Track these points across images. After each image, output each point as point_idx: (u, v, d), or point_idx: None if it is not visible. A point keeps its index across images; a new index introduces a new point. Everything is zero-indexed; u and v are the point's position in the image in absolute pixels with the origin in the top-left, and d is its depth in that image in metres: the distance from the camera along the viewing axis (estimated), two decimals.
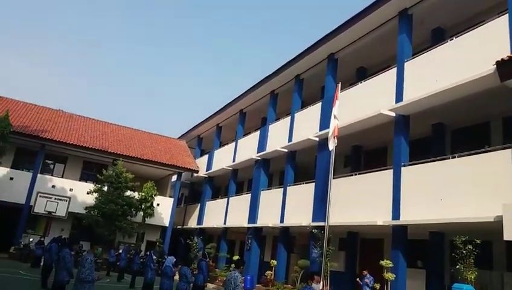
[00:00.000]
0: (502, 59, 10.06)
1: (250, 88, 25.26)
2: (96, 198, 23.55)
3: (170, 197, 30.73)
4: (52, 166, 28.51)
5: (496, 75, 10.27)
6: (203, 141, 36.53)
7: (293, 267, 17.77)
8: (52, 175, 27.40)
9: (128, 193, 24.44)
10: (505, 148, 10.57)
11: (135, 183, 24.80)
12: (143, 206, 25.36)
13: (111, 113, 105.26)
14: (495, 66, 10.24)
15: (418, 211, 12.41)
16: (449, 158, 12.40)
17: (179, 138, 37.59)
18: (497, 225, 9.48)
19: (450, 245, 12.47)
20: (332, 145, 15.14)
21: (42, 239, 22.33)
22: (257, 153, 23.89)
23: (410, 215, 12.67)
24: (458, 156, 12.00)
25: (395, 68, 15.00)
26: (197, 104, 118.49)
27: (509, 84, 10.17)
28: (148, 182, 26.51)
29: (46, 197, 24.06)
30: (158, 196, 27.02)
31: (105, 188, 24.03)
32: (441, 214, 11.46)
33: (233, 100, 27.65)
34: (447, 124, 14.73)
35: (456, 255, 10.30)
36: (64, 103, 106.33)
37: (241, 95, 26.48)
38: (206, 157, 33.07)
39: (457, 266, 10.28)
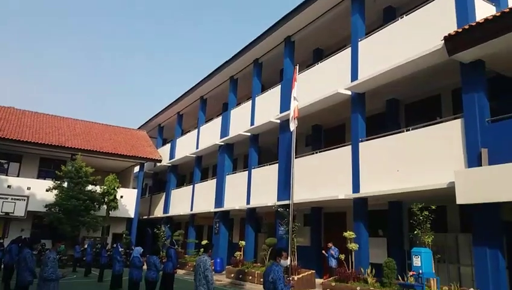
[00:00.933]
0: (450, 34, 10.66)
1: (210, 74, 25.12)
2: (56, 195, 22.85)
3: (134, 188, 30.26)
4: (6, 165, 27.22)
5: (444, 50, 10.87)
6: (164, 129, 36.01)
7: (261, 246, 18.19)
8: (6, 175, 26.14)
9: (90, 187, 23.89)
10: (455, 118, 11.30)
11: (96, 177, 24.22)
12: (106, 200, 24.91)
13: (65, 108, 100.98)
14: (443, 41, 10.84)
15: (376, 183, 13.05)
16: (403, 131, 13.08)
17: (139, 128, 36.81)
18: (450, 191, 10.20)
19: (408, 213, 13.26)
20: (293, 126, 15.46)
21: (1, 241, 21.39)
22: (220, 138, 23.94)
23: (370, 187, 13.31)
24: (412, 129, 12.69)
25: (350, 48, 15.46)
26: (157, 93, 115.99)
27: (457, 58, 10.81)
28: (110, 174, 25.97)
29: (2, 197, 22.96)
30: (121, 188, 26.56)
31: (65, 184, 23.36)
32: (399, 184, 12.13)
33: (193, 87, 27.40)
34: (400, 99, 15.44)
35: (414, 222, 11.00)
36: (17, 101, 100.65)
37: (201, 81, 26.28)
38: (168, 146, 32.71)
39: (415, 232, 10.99)
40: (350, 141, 14.90)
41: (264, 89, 21.95)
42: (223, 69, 23.75)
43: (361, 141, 14.20)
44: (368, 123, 14.71)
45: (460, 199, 9.92)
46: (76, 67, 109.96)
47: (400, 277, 11.15)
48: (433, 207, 10.80)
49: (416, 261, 9.84)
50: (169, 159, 30.99)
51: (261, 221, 21.59)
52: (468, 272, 11.42)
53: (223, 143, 23.63)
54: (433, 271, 10.03)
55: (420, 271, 9.68)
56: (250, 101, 22.08)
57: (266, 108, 20.23)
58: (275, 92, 19.93)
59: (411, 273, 10.20)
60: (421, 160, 11.69)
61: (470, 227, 10.68)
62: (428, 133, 11.88)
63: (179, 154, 29.63)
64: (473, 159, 10.19)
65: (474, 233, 10.15)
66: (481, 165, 9.91)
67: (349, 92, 14.85)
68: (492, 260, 9.55)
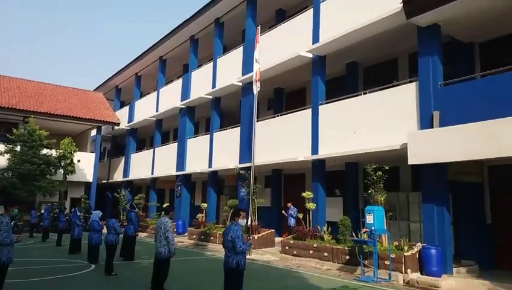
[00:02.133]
0: None
1: (169, 33, 24.17)
2: (8, 159, 21.82)
3: (91, 152, 29.39)
4: None
5: (402, 13, 11.00)
6: (122, 92, 34.77)
7: (223, 207, 18.47)
8: None
9: (45, 151, 22.96)
10: (410, 82, 11.64)
11: (51, 140, 23.23)
12: (63, 164, 24.10)
13: (16, 69, 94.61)
14: (401, 4, 10.94)
15: (335, 145, 13.40)
16: (361, 94, 13.37)
17: (95, 90, 35.33)
18: (403, 152, 10.66)
19: (363, 173, 13.78)
20: (255, 89, 15.43)
21: None
22: (181, 101, 23.47)
23: (328, 149, 13.67)
24: (369, 92, 12.99)
25: (312, 9, 15.30)
26: (113, 53, 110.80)
27: (414, 21, 10.98)
28: (66, 138, 25.01)
29: None
30: (78, 152, 25.71)
31: (18, 148, 22.29)
32: (355, 145, 12.52)
33: (152, 47, 26.34)
34: (360, 62, 15.64)
35: (368, 182, 11.47)
36: None
37: (160, 41, 25.28)
38: (126, 109, 31.75)
39: (369, 191, 11.50)
40: (310, 104, 15.07)
41: (226, 50, 21.49)
42: (183, 28, 22.91)
43: (321, 104, 14.39)
44: (328, 86, 14.87)
45: (412, 160, 10.42)
46: (22, 23, 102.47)
47: (354, 234, 11.73)
48: (387, 167, 11.27)
49: (369, 219, 10.34)
50: (128, 123, 30.19)
51: (223, 184, 21.81)
52: (417, 228, 12.18)
53: (184, 106, 23.21)
54: (385, 228, 10.61)
55: (373, 228, 10.19)
56: (212, 62, 21.61)
57: (228, 70, 19.91)
58: (237, 54, 19.59)
59: (364, 230, 10.73)
60: (378, 122, 12.06)
61: (419, 186, 11.30)
62: (385, 96, 12.21)
63: (138, 117, 28.88)
64: (426, 122, 10.62)
65: (423, 192, 10.76)
66: (432, 127, 10.38)
67: (311, 55, 14.85)
68: (438, 216, 10.21)
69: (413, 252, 10.08)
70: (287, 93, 19.66)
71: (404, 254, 9.97)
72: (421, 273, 9.83)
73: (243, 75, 18.44)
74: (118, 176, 31.15)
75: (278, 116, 17.21)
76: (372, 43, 13.49)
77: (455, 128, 9.66)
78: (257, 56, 15.60)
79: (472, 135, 9.26)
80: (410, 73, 13.29)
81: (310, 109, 14.80)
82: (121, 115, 31.28)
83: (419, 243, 10.50)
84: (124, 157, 30.80)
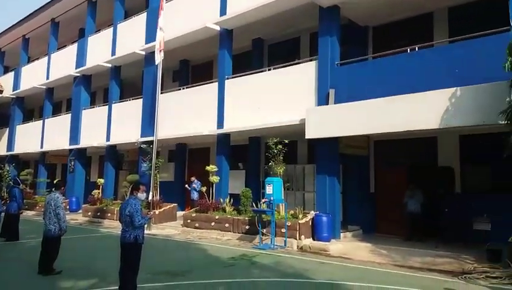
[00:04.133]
0: None
1: None
2: None
3: None
4: None
5: None
6: (5, 55, 30.65)
7: (122, 183, 17.65)
8: None
9: None
10: (310, 60, 12.20)
11: None
12: None
13: None
14: None
15: (239, 120, 13.57)
16: (266, 70, 13.66)
17: None
18: (301, 127, 11.23)
19: (265, 147, 14.23)
20: (158, 58, 14.83)
21: None
22: (76, 68, 21.54)
23: (233, 124, 13.79)
24: (273, 69, 13.33)
25: None
26: None
27: (317, 1, 11.44)
28: None
29: None
30: None
31: None
32: (259, 120, 12.83)
33: (42, 7, 23.47)
34: (265, 38, 15.88)
35: (269, 155, 11.91)
36: None
37: (52, 1, 22.66)
38: (11, 75, 28.19)
39: (270, 163, 11.95)
40: (217, 78, 14.97)
41: (128, 16, 20.08)
42: None
43: (228, 79, 14.38)
44: (235, 61, 14.88)
45: (309, 134, 11.07)
46: None
47: (254, 204, 12.13)
48: (287, 141, 11.80)
49: (269, 190, 10.80)
50: (13, 90, 26.87)
51: (122, 158, 20.80)
52: (311, 197, 13.03)
53: (79, 74, 21.34)
54: (283, 198, 11.16)
55: (271, 198, 10.67)
56: (112, 28, 20.09)
57: (130, 38, 18.68)
58: (140, 21, 18.45)
59: (264, 200, 11.18)
60: (280, 98, 12.46)
61: (314, 159, 12.06)
62: (288, 73, 12.66)
63: (26, 85, 25.81)
64: (323, 99, 11.29)
65: (317, 164, 11.52)
66: (328, 104, 11.07)
67: (218, 28, 14.65)
68: (330, 186, 11.05)
69: (307, 219, 10.79)
70: (193, 66, 19.24)
71: (299, 221, 10.62)
72: (313, 239, 10.60)
73: (146, 43, 17.48)
74: (0, 150, 27.73)
75: (183, 88, 16.79)
76: (276, 21, 13.75)
77: (347, 105, 10.46)
78: (161, 24, 14.93)
79: (361, 112, 10.12)
80: (311, 52, 13.89)
81: (217, 83, 14.70)
82: (5, 82, 27.67)
83: (312, 211, 11.27)
84: (8, 128, 27.45)
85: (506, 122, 7.34)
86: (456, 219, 9.92)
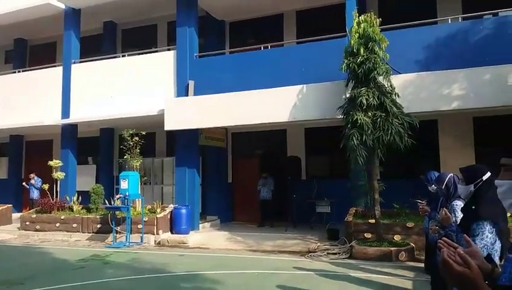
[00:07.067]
0: None
1: None
2: None
3: None
4: None
5: None
6: None
7: None
8: None
9: None
10: (169, 50, 11.86)
11: None
12: None
13: None
14: None
15: (89, 109, 12.41)
16: (119, 57, 12.78)
17: None
18: (160, 118, 10.85)
19: (119, 139, 13.36)
20: None
21: None
22: None
23: (81, 113, 12.53)
24: (128, 55, 12.57)
25: None
26: None
27: None
28: None
29: None
30: None
31: None
32: (112, 110, 11.93)
33: None
34: (118, 22, 14.75)
35: (124, 147, 11.17)
36: None
37: None
38: None
39: (125, 157, 11.24)
40: (61, 62, 13.39)
41: None
42: None
43: (74, 63, 12.99)
44: (83, 44, 13.52)
45: (168, 126, 10.78)
46: None
47: (107, 201, 11.29)
48: (144, 133, 11.24)
49: (124, 185, 10.14)
50: None
51: None
52: (170, 190, 12.79)
53: None
54: (140, 192, 10.63)
55: (127, 193, 10.05)
56: None
57: None
58: None
59: (118, 196, 10.49)
60: (137, 88, 11.82)
61: (174, 152, 11.83)
62: (145, 61, 12.08)
63: None
64: (182, 90, 11.13)
65: (177, 156, 11.35)
66: (188, 96, 10.96)
67: (63, 6, 13.08)
68: (189, 178, 11.00)
69: (165, 213, 10.53)
70: (32, 46, 16.77)
71: (157, 216, 10.30)
72: (172, 233, 10.42)
73: None
74: None
75: (19, 71, 14.52)
76: (129, 5, 12.89)
77: (205, 97, 10.52)
78: None
79: (220, 105, 10.30)
80: (169, 41, 13.54)
81: (61, 67, 13.14)
82: None
83: (171, 205, 11.05)
84: None
85: (343, 116, 8.38)
86: (303, 204, 10.98)
